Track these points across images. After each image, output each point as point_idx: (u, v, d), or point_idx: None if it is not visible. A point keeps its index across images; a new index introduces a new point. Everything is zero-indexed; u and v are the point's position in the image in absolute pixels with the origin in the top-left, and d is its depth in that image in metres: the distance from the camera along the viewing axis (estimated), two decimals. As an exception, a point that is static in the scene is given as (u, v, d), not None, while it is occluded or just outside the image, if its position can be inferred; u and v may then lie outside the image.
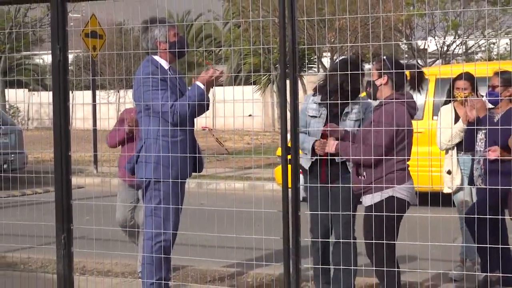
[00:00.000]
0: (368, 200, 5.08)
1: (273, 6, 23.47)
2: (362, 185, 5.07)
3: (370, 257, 5.08)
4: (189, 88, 5.41)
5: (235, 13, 31.47)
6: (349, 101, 5.57)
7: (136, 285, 5.87)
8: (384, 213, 4.90)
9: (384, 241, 4.93)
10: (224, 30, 43.95)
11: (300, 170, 5.63)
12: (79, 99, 16.50)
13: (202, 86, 5.31)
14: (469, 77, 6.62)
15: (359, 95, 5.75)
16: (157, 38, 5.42)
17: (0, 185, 12.56)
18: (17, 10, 20.28)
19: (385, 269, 4.99)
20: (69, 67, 5.31)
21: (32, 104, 28.65)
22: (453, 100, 6.69)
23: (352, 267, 5.44)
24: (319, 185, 5.57)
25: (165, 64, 5.46)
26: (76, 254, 5.36)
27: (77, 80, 6.99)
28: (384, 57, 5.22)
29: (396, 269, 5.03)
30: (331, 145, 5.24)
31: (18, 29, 17.45)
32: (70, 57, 5.33)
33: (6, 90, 22.65)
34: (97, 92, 17.07)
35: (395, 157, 4.98)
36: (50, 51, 5.13)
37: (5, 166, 13.70)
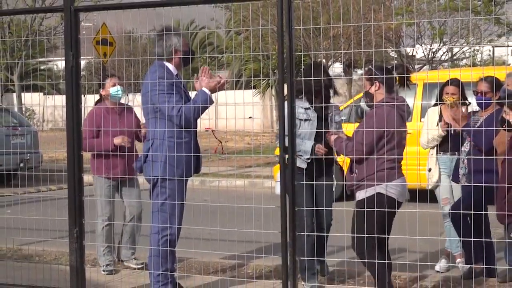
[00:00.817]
0: (358, 195, 5.09)
1: (271, 16, 23.47)
2: (349, 182, 5.09)
3: (353, 248, 5.08)
4: (195, 93, 5.41)
5: (236, 22, 31.45)
6: (332, 103, 5.68)
7: (143, 277, 5.85)
8: (360, 209, 4.93)
9: (366, 235, 4.92)
10: (226, 38, 43.91)
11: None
12: (91, 102, 16.47)
13: (207, 92, 5.31)
14: (458, 83, 6.63)
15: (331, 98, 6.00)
16: (175, 45, 5.45)
17: (17, 183, 12.58)
18: (33, 19, 20.25)
19: (375, 262, 4.99)
20: (81, 72, 5.31)
21: (47, 106, 28.60)
22: (440, 103, 6.70)
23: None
24: (323, 182, 5.62)
25: (173, 70, 5.49)
26: (88, 247, 5.36)
27: (89, 85, 6.96)
28: (370, 66, 5.24)
29: (376, 261, 4.99)
30: (331, 139, 5.26)
31: (33, 37, 17.45)
32: (82, 63, 5.33)
33: (22, 94, 22.63)
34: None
35: (385, 156, 4.96)
36: (64, 57, 5.14)
37: (21, 164, 13.70)
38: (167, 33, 5.47)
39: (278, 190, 6.48)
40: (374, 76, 5.11)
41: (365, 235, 4.92)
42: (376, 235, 4.94)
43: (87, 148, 6.19)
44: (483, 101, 6.15)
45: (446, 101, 6.60)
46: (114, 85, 6.56)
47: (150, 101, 5.32)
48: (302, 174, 5.70)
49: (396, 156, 5.03)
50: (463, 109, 6.61)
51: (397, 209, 5.09)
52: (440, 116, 6.57)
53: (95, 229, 6.58)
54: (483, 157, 5.78)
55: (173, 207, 5.38)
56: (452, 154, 6.49)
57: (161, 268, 5.44)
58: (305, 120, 5.85)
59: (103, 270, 6.57)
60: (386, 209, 4.93)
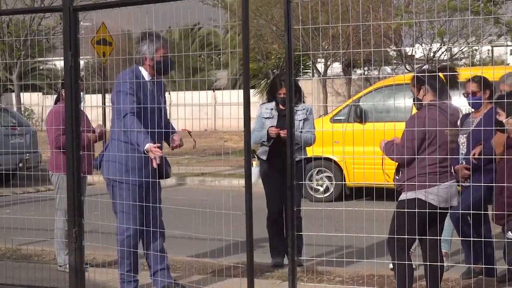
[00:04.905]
0: (401, 196, 5.01)
1: (270, 16, 23.48)
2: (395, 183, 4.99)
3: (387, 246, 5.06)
4: (140, 136, 5.22)
5: (235, 21, 31.45)
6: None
7: (144, 276, 5.85)
8: (398, 209, 4.88)
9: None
10: (225, 38, 43.89)
11: (257, 161, 7.05)
12: (92, 102, 16.49)
13: (144, 148, 5.15)
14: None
15: (300, 101, 6.81)
16: (144, 53, 5.52)
17: (16, 182, 12.58)
18: (32, 19, 20.25)
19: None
20: (80, 72, 5.32)
21: (46, 106, 28.60)
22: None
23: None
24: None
25: (146, 76, 5.55)
26: (87, 247, 5.37)
27: (88, 84, 6.96)
28: (415, 74, 5.16)
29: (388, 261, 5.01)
30: (381, 145, 5.16)
31: (32, 37, 17.43)
32: (81, 62, 5.34)
33: (21, 94, 22.63)
34: (107, 95, 17.05)
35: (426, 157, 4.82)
36: (63, 57, 5.14)
37: (20, 164, 13.70)
38: (144, 40, 5.55)
39: (254, 178, 6.88)
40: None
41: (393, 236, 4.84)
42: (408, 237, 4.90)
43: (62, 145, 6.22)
44: (482, 101, 6.14)
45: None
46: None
47: (111, 101, 5.43)
48: (266, 164, 6.82)
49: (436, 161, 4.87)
50: None
51: (440, 215, 4.93)
52: None
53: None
54: (482, 156, 5.80)
55: (128, 209, 5.40)
56: None
57: (125, 268, 5.52)
58: (267, 118, 6.81)
59: (60, 266, 6.57)
60: (414, 213, 4.83)
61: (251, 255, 4.78)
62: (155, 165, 5.09)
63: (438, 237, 5.09)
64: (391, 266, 6.45)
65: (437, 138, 4.83)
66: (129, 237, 5.50)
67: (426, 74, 5.05)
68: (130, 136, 5.24)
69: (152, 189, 5.54)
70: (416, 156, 4.86)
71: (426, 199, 4.85)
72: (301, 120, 6.75)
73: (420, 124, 4.84)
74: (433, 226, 5.00)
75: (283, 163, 6.15)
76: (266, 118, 6.84)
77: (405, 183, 4.90)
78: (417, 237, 4.99)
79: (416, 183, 4.82)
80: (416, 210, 4.80)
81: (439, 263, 5.02)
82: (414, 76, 5.15)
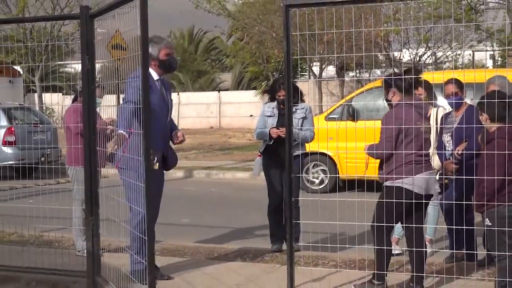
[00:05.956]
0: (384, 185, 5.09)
1: (270, 24, 23.42)
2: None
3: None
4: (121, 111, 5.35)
5: (237, 28, 31.38)
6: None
7: (158, 260, 5.83)
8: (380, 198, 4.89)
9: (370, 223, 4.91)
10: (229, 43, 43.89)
11: (259, 154, 7.06)
12: (106, 102, 16.45)
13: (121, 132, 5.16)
14: (426, 85, 6.60)
15: (299, 100, 6.76)
16: (150, 54, 5.49)
17: (38, 175, 12.58)
18: (52, 26, 20.22)
19: (370, 247, 4.98)
20: (97, 75, 5.31)
21: (65, 106, 28.55)
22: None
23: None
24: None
25: (155, 75, 5.54)
26: (102, 233, 5.36)
27: (104, 85, 6.96)
28: (384, 78, 5.26)
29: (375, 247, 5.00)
30: (366, 147, 5.21)
31: (53, 42, 17.40)
32: (97, 66, 5.33)
33: (43, 94, 22.61)
34: (121, 96, 17.02)
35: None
36: (80, 61, 5.13)
37: (42, 159, 13.71)
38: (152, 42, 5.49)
39: (255, 171, 7.28)
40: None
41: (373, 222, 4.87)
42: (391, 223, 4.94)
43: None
44: (453, 101, 6.14)
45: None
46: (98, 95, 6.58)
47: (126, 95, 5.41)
48: (267, 159, 6.88)
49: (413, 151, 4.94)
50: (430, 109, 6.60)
51: (419, 202, 4.98)
52: None
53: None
54: (464, 152, 5.80)
55: (133, 194, 5.39)
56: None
57: (135, 250, 5.46)
58: (269, 116, 6.87)
59: (78, 251, 6.54)
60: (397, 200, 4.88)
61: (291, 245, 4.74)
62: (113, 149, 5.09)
63: (422, 225, 5.12)
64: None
65: (411, 130, 4.90)
66: (140, 222, 5.46)
67: (393, 77, 5.13)
68: (120, 118, 5.22)
69: (157, 176, 5.55)
70: (393, 152, 4.92)
71: (402, 185, 4.90)
72: (300, 118, 6.75)
73: (394, 121, 4.91)
74: (415, 213, 5.02)
75: (282, 158, 6.32)
76: (268, 116, 6.87)
77: (394, 176, 4.93)
78: (399, 224, 4.99)
79: (408, 176, 4.84)
80: (395, 196, 4.86)
81: (423, 249, 5.04)
82: (383, 79, 5.23)
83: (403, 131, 4.90)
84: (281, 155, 6.43)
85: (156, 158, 4.43)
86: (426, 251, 5.12)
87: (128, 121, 5.13)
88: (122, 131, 5.02)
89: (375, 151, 5.06)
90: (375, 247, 5.03)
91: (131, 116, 5.15)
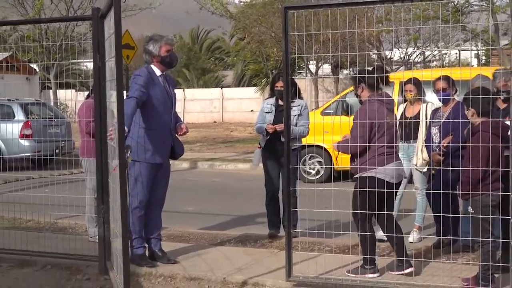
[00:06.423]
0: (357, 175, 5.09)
1: (270, 24, 23.37)
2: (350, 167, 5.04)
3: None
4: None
5: (239, 29, 31.33)
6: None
7: (165, 246, 5.85)
8: (356, 188, 4.89)
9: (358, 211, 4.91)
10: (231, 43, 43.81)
11: (259, 146, 6.98)
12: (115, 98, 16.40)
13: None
14: (416, 82, 6.60)
15: (296, 96, 6.76)
16: (151, 52, 5.49)
17: (53, 166, 12.58)
18: (66, 26, 20.19)
19: (359, 233, 4.99)
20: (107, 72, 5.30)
21: (78, 101, 28.53)
22: (404, 99, 6.75)
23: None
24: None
25: (157, 71, 5.52)
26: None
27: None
28: (352, 74, 5.25)
29: (361, 233, 5.00)
30: (334, 145, 5.26)
31: (67, 42, 17.37)
32: (109, 63, 5.32)
33: (57, 91, 22.60)
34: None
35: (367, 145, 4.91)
36: (92, 59, 5.11)
37: (57, 151, 13.71)
38: (151, 40, 5.54)
39: (254, 162, 7.21)
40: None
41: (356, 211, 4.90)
42: (358, 211, 4.94)
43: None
44: (443, 97, 6.13)
45: (405, 96, 6.63)
46: None
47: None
48: (265, 151, 6.84)
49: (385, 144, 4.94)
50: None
51: (394, 188, 5.02)
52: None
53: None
54: (451, 144, 5.79)
55: (138, 184, 5.42)
56: (409, 142, 6.57)
57: (134, 235, 5.49)
58: (267, 112, 6.85)
59: (90, 237, 6.52)
60: (373, 190, 4.91)
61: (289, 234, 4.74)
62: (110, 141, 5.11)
63: (392, 211, 5.15)
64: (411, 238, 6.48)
65: (383, 125, 4.90)
66: (137, 209, 5.48)
67: (358, 75, 5.08)
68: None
69: (163, 166, 5.56)
70: (361, 144, 4.92)
71: (376, 175, 4.92)
72: (295, 115, 6.72)
73: (366, 116, 4.91)
74: (387, 201, 5.02)
75: (279, 151, 6.49)
76: (266, 112, 6.88)
77: (367, 167, 4.96)
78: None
79: (380, 166, 4.81)
80: (370, 186, 4.88)
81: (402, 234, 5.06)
82: (353, 76, 5.21)
83: (375, 126, 4.91)
84: (278, 148, 6.60)
85: (129, 152, 4.42)
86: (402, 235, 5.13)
87: (129, 117, 5.11)
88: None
89: (346, 144, 5.03)
90: (359, 233, 5.05)
91: (132, 112, 5.15)
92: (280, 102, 6.67)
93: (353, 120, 5.06)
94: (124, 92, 6.64)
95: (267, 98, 7.12)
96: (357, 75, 5.09)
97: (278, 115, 6.67)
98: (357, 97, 5.20)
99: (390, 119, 5.02)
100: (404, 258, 5.00)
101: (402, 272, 5.01)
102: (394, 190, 5.05)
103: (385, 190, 4.89)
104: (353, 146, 4.96)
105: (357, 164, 5.03)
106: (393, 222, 5.12)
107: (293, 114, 6.70)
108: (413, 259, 5.15)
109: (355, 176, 5.09)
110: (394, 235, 5.01)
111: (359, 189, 5.01)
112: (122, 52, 4.16)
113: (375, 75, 5.02)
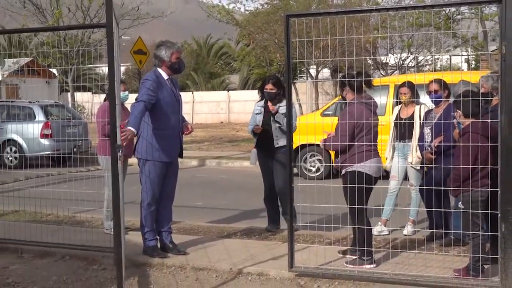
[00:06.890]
0: (343, 172, 5.11)
1: (273, 31, 23.33)
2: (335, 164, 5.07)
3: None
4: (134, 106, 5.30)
5: (244, 35, 31.29)
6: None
7: (175, 238, 5.85)
8: (343, 183, 4.89)
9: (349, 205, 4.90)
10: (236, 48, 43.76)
11: (255, 146, 6.92)
12: (130, 100, 16.44)
13: (131, 129, 5.01)
14: (410, 85, 6.58)
15: (283, 98, 6.59)
16: (162, 57, 5.48)
17: (71, 164, 12.59)
18: (83, 33, 20.23)
19: (357, 226, 4.97)
20: (122, 76, 5.30)
21: (94, 103, 28.62)
22: (398, 101, 6.72)
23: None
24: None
25: (165, 75, 5.51)
26: (127, 214, 5.36)
27: (129, 85, 6.95)
28: (337, 79, 5.30)
29: (353, 226, 4.99)
30: (321, 142, 5.30)
31: (83, 48, 17.40)
32: (122, 68, 5.31)
33: (75, 93, 22.66)
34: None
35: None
36: (107, 64, 5.10)
37: (75, 149, 13.74)
38: (163, 46, 5.54)
39: (252, 161, 7.17)
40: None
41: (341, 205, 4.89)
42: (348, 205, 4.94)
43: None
44: (435, 99, 6.11)
45: (400, 99, 6.60)
46: (124, 89, 6.54)
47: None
48: (259, 150, 6.80)
49: (368, 143, 4.97)
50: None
51: (373, 182, 5.05)
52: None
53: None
54: (442, 144, 5.77)
55: (149, 181, 5.43)
56: (404, 142, 6.53)
57: (146, 229, 5.51)
58: (257, 114, 6.80)
59: (106, 230, 6.53)
60: (362, 184, 4.90)
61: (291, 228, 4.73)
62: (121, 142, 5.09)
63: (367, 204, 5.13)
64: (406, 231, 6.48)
65: (365, 125, 4.95)
66: (149, 204, 5.48)
67: (344, 79, 5.12)
68: (131, 116, 5.18)
69: (173, 164, 5.57)
70: (347, 143, 4.96)
71: (363, 170, 4.96)
72: (283, 113, 6.63)
73: (350, 117, 4.94)
74: (366, 193, 5.02)
75: (269, 150, 6.67)
76: (256, 114, 6.83)
77: (347, 164, 4.97)
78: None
79: (363, 162, 4.80)
80: (359, 179, 4.92)
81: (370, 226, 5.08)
82: (338, 80, 5.23)
83: (358, 127, 4.95)
84: (268, 147, 6.63)
85: (121, 151, 4.43)
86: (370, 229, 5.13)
87: (138, 119, 5.10)
88: (131, 128, 4.99)
89: (331, 143, 5.11)
90: (354, 226, 5.04)
91: (141, 115, 5.15)
92: (269, 104, 6.65)
93: (338, 120, 5.09)
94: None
95: (258, 101, 7.01)
96: (342, 79, 5.15)
97: (265, 116, 6.71)
98: (342, 99, 5.23)
99: (372, 120, 5.05)
100: (365, 249, 4.98)
101: (362, 267, 4.97)
102: (373, 185, 5.07)
103: (365, 185, 4.93)
104: (337, 143, 5.01)
105: (341, 161, 5.08)
106: (364, 215, 5.08)
107: (281, 112, 6.63)
108: (408, 251, 5.13)
109: (342, 173, 5.11)
110: (363, 227, 5.00)
111: (348, 185, 4.99)
112: (114, 54, 4.18)
113: (357, 79, 5.04)
